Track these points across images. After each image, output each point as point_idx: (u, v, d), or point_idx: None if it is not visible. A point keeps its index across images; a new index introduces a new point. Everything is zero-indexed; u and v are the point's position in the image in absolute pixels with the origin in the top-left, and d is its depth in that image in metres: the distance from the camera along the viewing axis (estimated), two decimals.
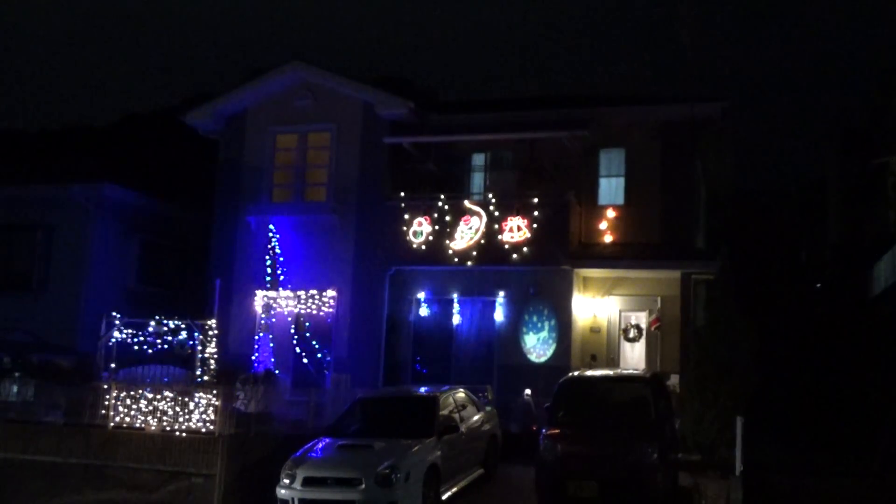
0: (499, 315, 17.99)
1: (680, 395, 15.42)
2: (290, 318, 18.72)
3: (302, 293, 18.87)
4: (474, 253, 17.79)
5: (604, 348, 18.45)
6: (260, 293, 19.03)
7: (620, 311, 18.61)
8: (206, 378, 15.71)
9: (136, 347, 16.82)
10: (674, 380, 16.58)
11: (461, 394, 13.83)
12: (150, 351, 16.81)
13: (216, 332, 16.51)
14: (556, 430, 11.60)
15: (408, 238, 18.23)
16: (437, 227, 18.10)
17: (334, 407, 15.93)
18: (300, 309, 18.80)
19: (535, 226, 17.49)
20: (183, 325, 16.50)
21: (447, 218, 18.08)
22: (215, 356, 16.10)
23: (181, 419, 14.31)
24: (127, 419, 14.67)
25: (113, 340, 16.80)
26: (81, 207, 20.79)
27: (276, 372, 18.03)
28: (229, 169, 20.21)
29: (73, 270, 20.65)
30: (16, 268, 21.13)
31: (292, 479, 11.20)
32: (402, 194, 18.56)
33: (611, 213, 18.52)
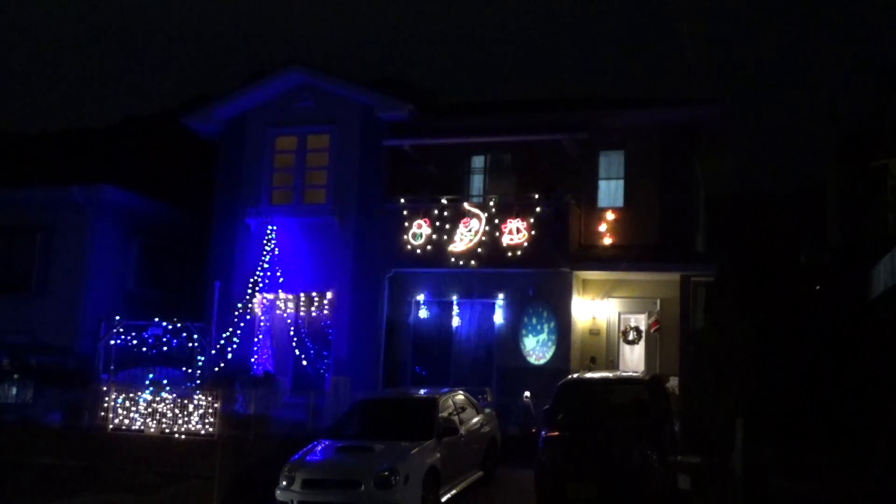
0: (498, 317, 17.99)
1: (679, 398, 15.42)
2: (289, 321, 18.71)
3: (301, 295, 18.87)
4: (474, 255, 17.79)
5: (603, 350, 18.46)
6: (259, 295, 19.03)
7: (620, 314, 18.63)
8: (205, 380, 15.73)
9: (135, 350, 16.84)
10: (673, 382, 16.60)
11: (460, 396, 13.82)
12: (149, 353, 16.83)
13: (215, 334, 16.52)
14: (556, 433, 11.59)
15: (407, 240, 18.23)
16: (436, 230, 18.10)
17: (333, 409, 15.94)
18: (300, 311, 18.79)
19: (534, 228, 17.49)
20: (182, 328, 16.51)
21: (447, 220, 18.08)
22: (214, 358, 16.12)
23: (180, 421, 14.31)
24: (126, 421, 14.68)
25: (112, 342, 16.82)
26: (81, 209, 20.77)
27: (275, 374, 18.03)
28: (229, 171, 20.22)
29: (72, 272, 20.63)
30: (15, 270, 21.10)
31: (291, 481, 11.17)
32: (402, 196, 18.56)
33: (610, 216, 18.52)
